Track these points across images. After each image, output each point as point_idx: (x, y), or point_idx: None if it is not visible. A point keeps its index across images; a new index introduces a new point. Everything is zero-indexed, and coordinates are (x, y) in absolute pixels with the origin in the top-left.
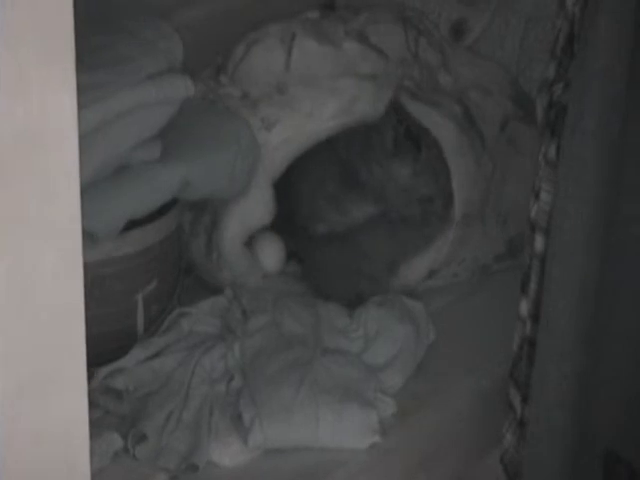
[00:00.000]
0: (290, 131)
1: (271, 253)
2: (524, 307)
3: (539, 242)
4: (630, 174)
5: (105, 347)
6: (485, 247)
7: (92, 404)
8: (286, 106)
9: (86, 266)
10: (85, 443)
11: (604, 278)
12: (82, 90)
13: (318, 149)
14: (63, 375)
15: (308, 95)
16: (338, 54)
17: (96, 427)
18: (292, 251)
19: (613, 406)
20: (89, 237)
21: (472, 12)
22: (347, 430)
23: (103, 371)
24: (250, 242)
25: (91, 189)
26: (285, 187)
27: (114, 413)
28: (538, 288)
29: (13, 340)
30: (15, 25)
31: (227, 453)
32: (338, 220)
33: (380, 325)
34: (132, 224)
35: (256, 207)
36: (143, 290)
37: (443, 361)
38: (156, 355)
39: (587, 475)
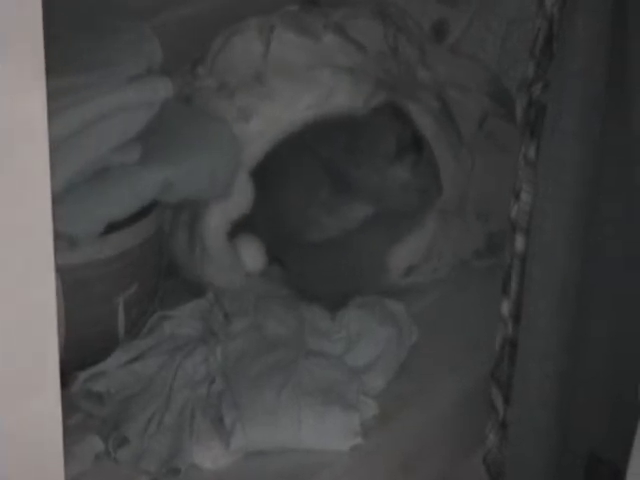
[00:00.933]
0: (267, 122)
1: (252, 253)
2: (505, 307)
3: (519, 242)
4: (609, 174)
5: (86, 350)
6: (464, 242)
7: (73, 407)
8: (264, 97)
9: (66, 269)
10: (59, 447)
11: (584, 278)
12: (62, 93)
13: (299, 152)
14: (36, 378)
15: (285, 85)
16: (316, 46)
17: (77, 430)
18: (274, 255)
19: (595, 406)
20: (69, 240)
21: (453, 13)
22: (329, 432)
23: (84, 374)
24: (231, 244)
25: (71, 192)
26: (268, 193)
27: (95, 416)
28: (519, 288)
29: None
30: None
31: (209, 456)
32: (333, 225)
33: (362, 327)
34: (112, 227)
35: (236, 197)
36: (124, 293)
37: (426, 362)
38: (137, 358)
39: (570, 475)
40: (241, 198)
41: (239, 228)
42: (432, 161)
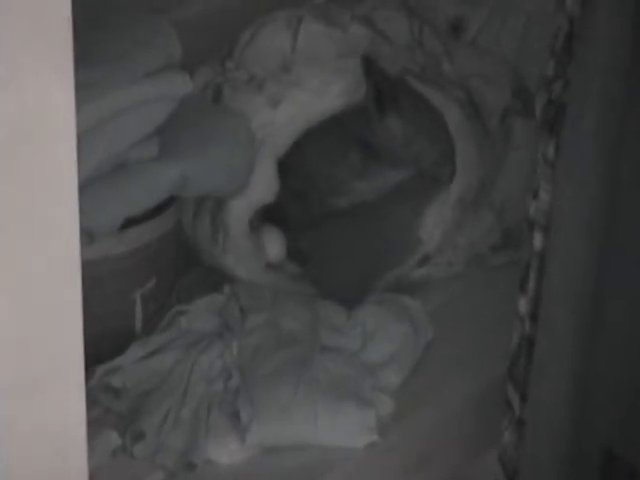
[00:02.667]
0: (296, 109)
1: (275, 244)
2: (523, 305)
3: (538, 240)
4: (629, 173)
5: (103, 345)
6: (479, 234)
7: (90, 402)
8: (292, 84)
9: (84, 264)
10: (83, 442)
11: (602, 276)
12: (79, 88)
13: (323, 128)
14: (61, 374)
15: (314, 74)
16: (344, 37)
17: (94, 425)
18: (293, 250)
19: (611, 404)
20: (87, 235)
21: (470, 9)
22: (345, 429)
23: (101, 369)
24: (254, 233)
25: (89, 187)
26: (296, 163)
27: (112, 411)
28: (537, 287)
29: (9, 339)
30: (10, 21)
31: (225, 451)
32: (364, 190)
33: (378, 323)
34: (130, 222)
35: (261, 184)
36: (141, 288)
37: (441, 359)
38: (154, 353)
39: (585, 473)
40: (265, 186)
41: (263, 217)
42: (442, 136)
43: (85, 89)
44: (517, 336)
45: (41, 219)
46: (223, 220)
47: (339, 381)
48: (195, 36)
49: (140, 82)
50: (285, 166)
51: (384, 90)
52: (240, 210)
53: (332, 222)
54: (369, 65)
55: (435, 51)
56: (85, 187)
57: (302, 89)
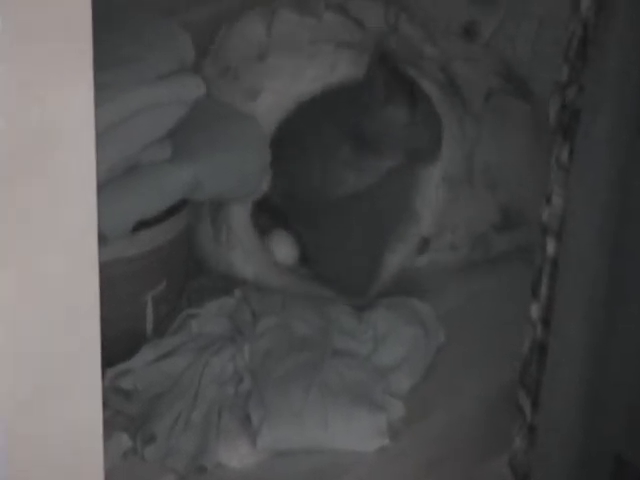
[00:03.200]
0: (274, 97)
1: (283, 247)
2: (535, 311)
3: (551, 246)
4: None
5: (114, 348)
6: (476, 212)
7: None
8: (268, 74)
9: None
10: (99, 446)
11: (614, 282)
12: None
13: (312, 121)
14: (78, 378)
15: (288, 61)
16: (318, 24)
17: (105, 427)
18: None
19: (622, 410)
20: (99, 237)
21: (483, 14)
22: (356, 433)
23: (112, 371)
24: (260, 236)
25: (101, 189)
26: (287, 162)
27: (123, 413)
28: (549, 292)
29: (26, 343)
30: (31, 24)
31: (235, 455)
32: (356, 180)
33: (389, 327)
34: (141, 225)
35: None
36: (152, 290)
37: (452, 364)
38: (165, 356)
39: (596, 477)
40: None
41: (271, 222)
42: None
43: (98, 91)
44: (528, 341)
45: (59, 222)
46: (224, 218)
47: (350, 385)
48: (207, 39)
49: (153, 85)
50: (275, 163)
51: (391, 82)
52: (239, 204)
53: (327, 214)
54: (384, 58)
55: (413, 37)
56: (98, 189)
57: (277, 77)
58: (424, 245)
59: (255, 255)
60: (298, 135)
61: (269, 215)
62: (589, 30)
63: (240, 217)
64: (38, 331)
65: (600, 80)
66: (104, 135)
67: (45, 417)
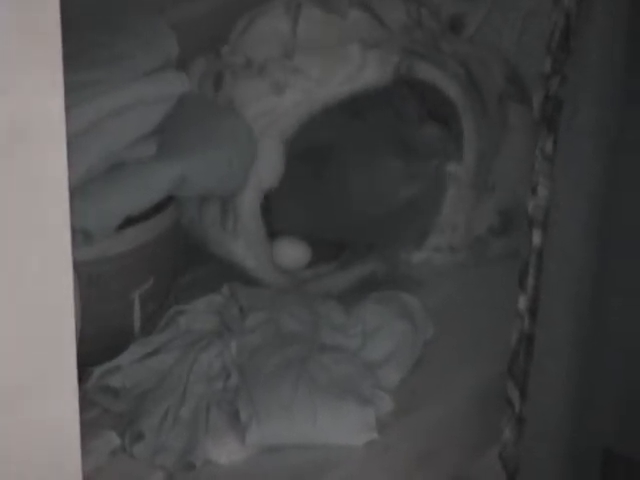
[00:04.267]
0: (300, 95)
1: (293, 254)
2: (522, 302)
3: (536, 237)
4: (626, 169)
5: (102, 345)
6: (476, 215)
7: (89, 403)
8: (295, 71)
9: (82, 264)
10: (76, 445)
11: (600, 273)
12: (78, 87)
13: (347, 127)
14: (53, 376)
15: (316, 61)
16: (343, 22)
17: (93, 426)
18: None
19: (611, 401)
20: (85, 235)
21: (469, 6)
22: (344, 427)
23: (100, 369)
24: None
25: (87, 187)
26: (330, 173)
27: (111, 411)
28: (536, 283)
29: (2, 341)
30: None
31: (224, 451)
32: (410, 187)
33: (378, 321)
34: (128, 222)
35: (268, 169)
36: (139, 288)
37: (441, 357)
38: (153, 353)
39: (585, 470)
40: (272, 170)
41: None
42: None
43: (84, 88)
44: (516, 333)
45: (30, 220)
46: (234, 204)
47: (339, 380)
48: (192, 36)
49: (138, 81)
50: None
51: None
52: (251, 196)
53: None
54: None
55: (434, 30)
56: (83, 186)
57: (305, 76)
58: (422, 241)
59: (258, 248)
60: (336, 142)
61: (281, 220)
62: (571, 21)
63: (250, 208)
64: (12, 331)
65: (583, 71)
66: (89, 132)
67: (21, 418)
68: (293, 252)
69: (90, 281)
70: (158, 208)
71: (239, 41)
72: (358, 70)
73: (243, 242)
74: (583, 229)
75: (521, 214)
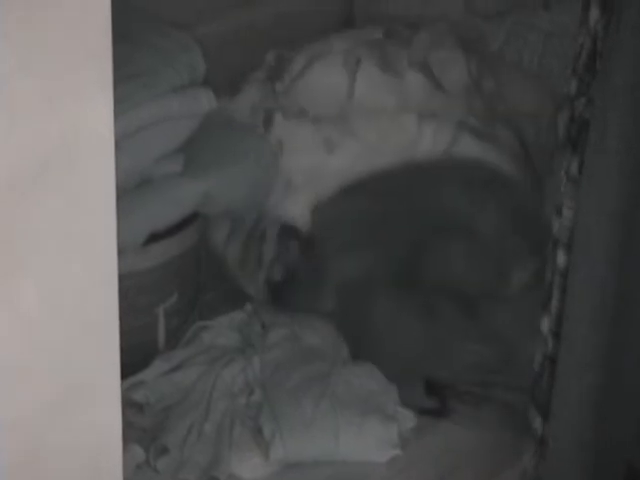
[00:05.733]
0: (350, 158)
1: None
2: (545, 324)
3: (561, 258)
4: None
5: (126, 360)
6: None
7: None
8: (350, 133)
9: None
10: (118, 457)
11: (624, 293)
12: None
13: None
14: (97, 389)
15: (371, 126)
16: (401, 86)
17: None
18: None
19: (632, 416)
20: None
21: (490, 28)
22: (367, 444)
23: (124, 384)
24: None
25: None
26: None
27: (135, 425)
28: (560, 304)
29: (46, 354)
30: (52, 40)
31: (248, 466)
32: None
33: None
34: (153, 237)
35: (294, 219)
36: (164, 303)
37: None
38: (177, 368)
39: None
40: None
41: None
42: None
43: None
44: (540, 355)
45: (79, 236)
46: (257, 252)
47: (361, 395)
48: (218, 52)
49: (165, 98)
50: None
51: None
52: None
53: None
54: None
55: (490, 89)
56: None
57: (358, 140)
58: None
59: None
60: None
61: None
62: (598, 43)
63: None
64: (58, 343)
65: (609, 93)
66: (116, 148)
67: (65, 432)
68: None
69: None
70: (183, 224)
71: (294, 85)
72: (412, 141)
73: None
74: (608, 249)
75: None
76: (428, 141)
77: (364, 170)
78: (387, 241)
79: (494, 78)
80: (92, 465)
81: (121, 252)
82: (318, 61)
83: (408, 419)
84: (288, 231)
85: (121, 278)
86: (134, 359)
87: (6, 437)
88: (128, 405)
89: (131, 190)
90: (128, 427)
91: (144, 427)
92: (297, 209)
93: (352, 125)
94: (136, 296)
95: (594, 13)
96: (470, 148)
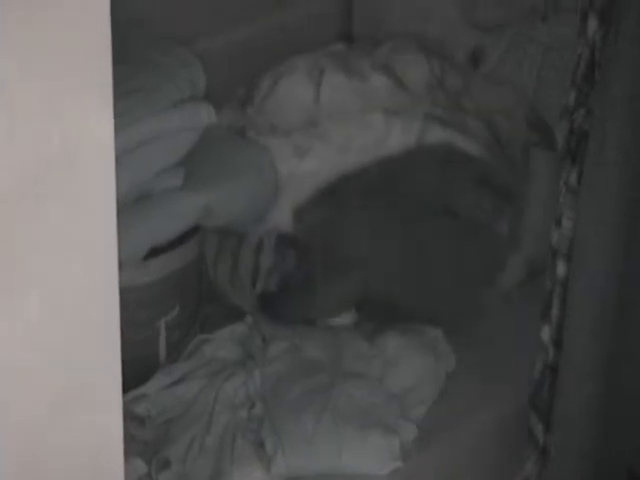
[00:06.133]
0: (321, 161)
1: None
2: (546, 333)
3: (561, 268)
4: None
5: (128, 373)
6: (506, 273)
7: None
8: (319, 137)
9: None
10: (119, 458)
11: (623, 302)
12: None
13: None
14: (97, 389)
15: (340, 129)
16: (366, 88)
17: None
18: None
19: (632, 423)
20: None
21: (489, 40)
22: (369, 456)
23: (126, 397)
24: None
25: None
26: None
27: (138, 439)
28: (560, 314)
29: (47, 357)
30: (53, 52)
31: None
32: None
33: (399, 352)
34: (154, 251)
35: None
36: (165, 317)
37: (464, 388)
38: (178, 381)
39: None
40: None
41: None
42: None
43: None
44: (540, 364)
45: (79, 242)
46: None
47: (363, 408)
48: (219, 67)
49: (165, 112)
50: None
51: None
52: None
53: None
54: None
55: (456, 87)
56: None
57: (327, 143)
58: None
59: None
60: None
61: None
62: (596, 54)
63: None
64: (58, 344)
65: (607, 103)
66: (116, 162)
67: (66, 432)
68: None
69: None
70: (184, 238)
71: (263, 104)
72: (381, 138)
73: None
74: (607, 259)
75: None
76: (397, 135)
77: (338, 171)
78: (373, 236)
79: (461, 78)
80: (93, 466)
81: (122, 266)
82: (283, 78)
83: (409, 431)
84: (284, 240)
85: (122, 292)
86: (136, 372)
87: (7, 438)
88: (130, 418)
89: (131, 204)
90: (130, 440)
91: (146, 440)
92: (282, 216)
93: (320, 130)
94: (137, 310)
95: (592, 24)
96: (440, 136)
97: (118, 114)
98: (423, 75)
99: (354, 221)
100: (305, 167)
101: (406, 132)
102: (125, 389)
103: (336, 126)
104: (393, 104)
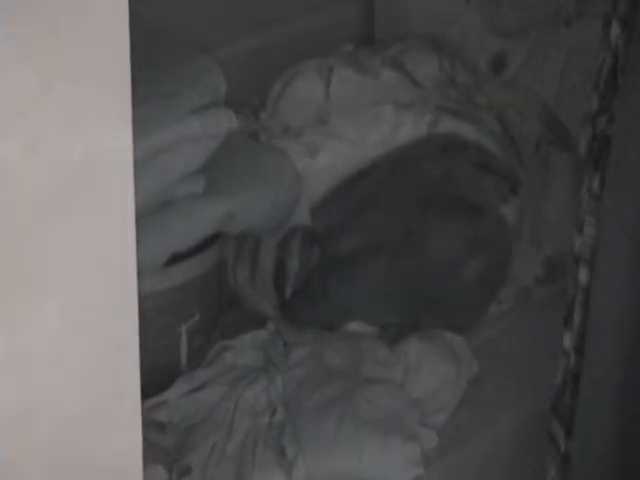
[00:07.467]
0: (334, 158)
1: None
2: (567, 340)
3: (583, 274)
4: None
5: (149, 380)
6: (522, 267)
7: None
8: (330, 134)
9: None
10: (139, 477)
11: None
12: None
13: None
14: (117, 408)
15: (350, 124)
16: (375, 83)
17: None
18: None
19: None
20: None
21: (511, 45)
22: (390, 463)
23: (147, 404)
24: None
25: (135, 223)
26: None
27: (158, 446)
28: (582, 320)
29: (68, 374)
30: (72, 62)
31: None
32: None
33: (421, 358)
34: (175, 258)
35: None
36: (186, 323)
37: (486, 394)
38: (199, 388)
39: None
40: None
41: None
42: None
43: (133, 126)
44: (562, 371)
45: (100, 255)
46: (261, 266)
47: (384, 415)
48: (240, 73)
49: (186, 119)
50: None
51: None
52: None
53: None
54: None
55: (467, 84)
56: None
57: (339, 139)
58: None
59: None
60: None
61: None
62: (619, 59)
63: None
64: (78, 360)
65: (631, 109)
66: (138, 169)
67: (84, 448)
68: None
69: (138, 316)
70: (204, 244)
71: (276, 107)
72: (392, 131)
73: (269, 304)
74: (630, 265)
75: (567, 260)
76: (409, 127)
77: (351, 167)
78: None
79: (473, 76)
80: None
81: (142, 273)
82: (294, 79)
83: (430, 438)
84: (309, 238)
85: (143, 299)
86: (157, 379)
87: (24, 455)
88: (151, 425)
89: (152, 211)
90: (151, 447)
91: (167, 447)
92: (300, 215)
93: (331, 126)
94: (157, 317)
95: (615, 29)
96: (452, 127)
97: (139, 121)
98: (434, 72)
99: (371, 216)
100: (318, 165)
101: (418, 123)
102: (146, 396)
103: (347, 121)
104: (404, 99)
